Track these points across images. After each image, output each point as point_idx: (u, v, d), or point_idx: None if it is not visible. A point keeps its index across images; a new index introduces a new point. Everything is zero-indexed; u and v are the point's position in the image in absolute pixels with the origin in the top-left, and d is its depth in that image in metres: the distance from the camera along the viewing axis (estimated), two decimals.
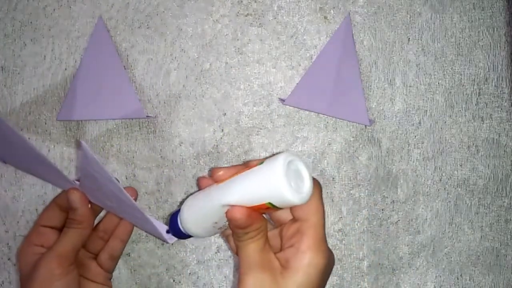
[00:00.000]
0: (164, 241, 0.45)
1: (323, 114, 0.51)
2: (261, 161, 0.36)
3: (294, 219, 0.38)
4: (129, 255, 0.51)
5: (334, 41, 0.50)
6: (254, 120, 0.52)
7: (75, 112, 0.50)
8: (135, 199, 0.47)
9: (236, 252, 0.38)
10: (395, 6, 0.52)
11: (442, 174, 0.52)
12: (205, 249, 0.51)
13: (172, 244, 0.51)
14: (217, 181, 0.39)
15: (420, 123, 0.52)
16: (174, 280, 0.51)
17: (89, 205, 0.43)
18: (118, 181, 0.40)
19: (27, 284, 0.41)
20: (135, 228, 0.51)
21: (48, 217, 0.44)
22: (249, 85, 0.52)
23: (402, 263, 0.52)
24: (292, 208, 0.38)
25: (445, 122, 0.52)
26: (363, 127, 0.52)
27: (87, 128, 0.51)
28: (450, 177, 0.52)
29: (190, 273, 0.51)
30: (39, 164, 0.43)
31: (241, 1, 0.52)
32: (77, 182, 0.44)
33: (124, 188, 0.42)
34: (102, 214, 0.47)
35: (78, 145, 0.51)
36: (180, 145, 0.51)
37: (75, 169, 0.51)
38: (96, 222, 0.46)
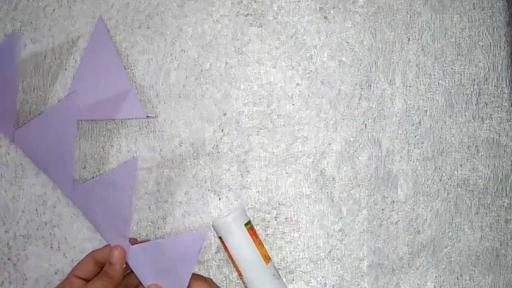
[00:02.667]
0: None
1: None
2: None
3: None
4: None
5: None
6: (254, 120, 0.52)
7: (75, 112, 0.50)
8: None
9: None
10: (395, 6, 0.52)
11: (442, 174, 0.52)
12: (205, 249, 0.51)
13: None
14: None
15: (420, 123, 0.52)
16: None
17: (124, 265, 0.46)
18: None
19: None
20: (134, 227, 0.51)
21: (81, 269, 0.47)
22: (249, 85, 0.52)
23: (402, 263, 0.52)
24: None
25: (445, 122, 0.52)
26: (363, 127, 0.52)
27: (87, 128, 0.51)
28: (450, 177, 0.52)
29: None
30: (59, 155, 0.45)
31: (241, 1, 0.52)
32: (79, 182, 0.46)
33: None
34: None
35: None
36: (180, 145, 0.51)
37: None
38: None
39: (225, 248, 0.48)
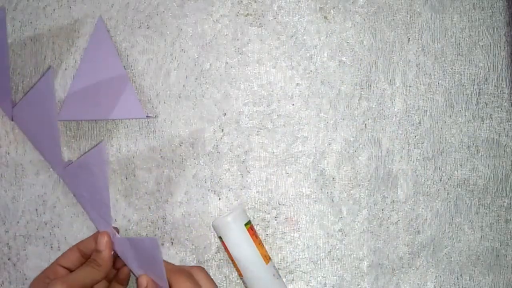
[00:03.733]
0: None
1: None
2: None
3: None
4: None
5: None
6: (254, 120, 0.52)
7: (75, 112, 0.50)
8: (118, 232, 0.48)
9: None
10: (395, 6, 0.52)
11: (442, 174, 0.52)
12: (205, 249, 0.51)
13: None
14: None
15: (420, 123, 0.52)
16: None
17: (112, 252, 0.45)
18: None
19: None
20: (134, 227, 0.51)
21: (66, 258, 0.46)
22: (249, 85, 0.52)
23: (402, 263, 0.52)
24: None
25: (445, 122, 0.52)
26: (363, 127, 0.52)
27: (87, 128, 0.51)
28: (450, 177, 0.52)
29: None
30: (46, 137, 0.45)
31: (241, 1, 0.52)
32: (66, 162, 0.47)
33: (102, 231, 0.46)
34: None
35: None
36: (180, 145, 0.51)
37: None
38: None
39: (225, 248, 0.48)
